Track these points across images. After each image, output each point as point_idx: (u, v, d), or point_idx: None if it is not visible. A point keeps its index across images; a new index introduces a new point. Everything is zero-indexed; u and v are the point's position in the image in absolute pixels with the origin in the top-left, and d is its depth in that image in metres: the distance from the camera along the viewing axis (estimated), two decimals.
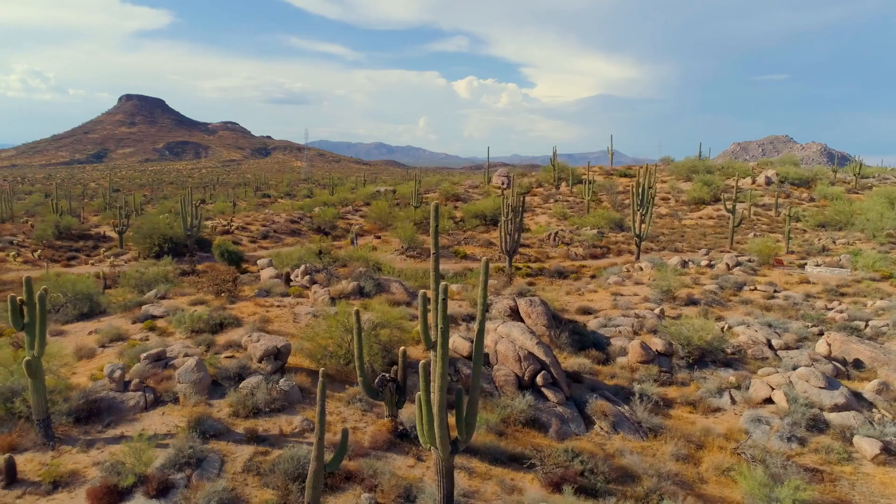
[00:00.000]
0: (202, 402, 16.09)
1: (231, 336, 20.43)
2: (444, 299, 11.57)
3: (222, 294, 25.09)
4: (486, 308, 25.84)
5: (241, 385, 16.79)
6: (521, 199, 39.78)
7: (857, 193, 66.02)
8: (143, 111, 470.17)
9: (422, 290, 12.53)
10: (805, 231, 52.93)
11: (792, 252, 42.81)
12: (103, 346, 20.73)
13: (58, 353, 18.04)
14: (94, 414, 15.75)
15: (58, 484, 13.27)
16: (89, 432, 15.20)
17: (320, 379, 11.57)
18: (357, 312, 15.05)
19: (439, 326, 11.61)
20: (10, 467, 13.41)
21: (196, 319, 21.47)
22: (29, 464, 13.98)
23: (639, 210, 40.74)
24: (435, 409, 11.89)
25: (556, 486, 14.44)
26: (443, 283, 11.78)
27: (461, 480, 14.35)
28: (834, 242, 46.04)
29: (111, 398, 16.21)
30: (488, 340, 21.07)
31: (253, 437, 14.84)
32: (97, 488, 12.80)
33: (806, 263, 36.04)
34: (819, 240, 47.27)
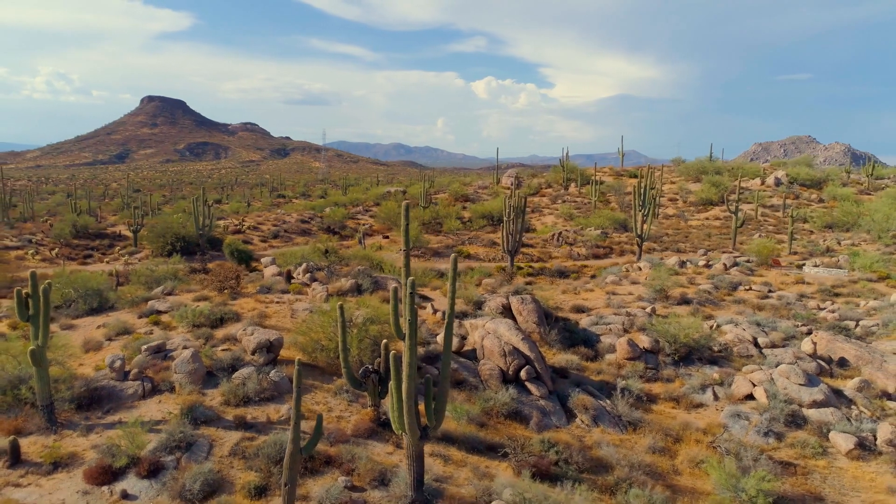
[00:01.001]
0: (196, 391, 17.00)
1: (230, 330, 21.34)
2: (411, 293, 12.30)
3: (225, 290, 26.05)
4: (480, 305, 26.69)
5: (233, 375, 17.68)
6: (524, 199, 40.40)
7: (870, 195, 65.69)
8: (165, 112, 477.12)
9: (393, 285, 13.29)
10: (812, 232, 52.92)
11: (795, 253, 42.95)
12: (110, 340, 21.72)
13: (64, 345, 19.14)
14: (95, 401, 16.72)
15: (58, 464, 14.22)
16: (90, 418, 16.17)
17: (296, 367, 12.40)
18: (341, 307, 15.80)
19: (407, 319, 12.34)
20: (15, 449, 14.40)
21: (197, 314, 22.42)
22: (32, 446, 14.96)
23: (640, 210, 41.15)
24: (404, 397, 12.64)
25: (531, 474, 15.11)
26: (410, 278, 12.51)
27: (437, 467, 15.09)
28: (839, 243, 46.06)
29: (111, 386, 17.17)
30: (476, 336, 21.81)
31: (241, 424, 15.71)
32: (93, 468, 13.74)
33: (804, 264, 36.25)
34: (824, 241, 47.30)
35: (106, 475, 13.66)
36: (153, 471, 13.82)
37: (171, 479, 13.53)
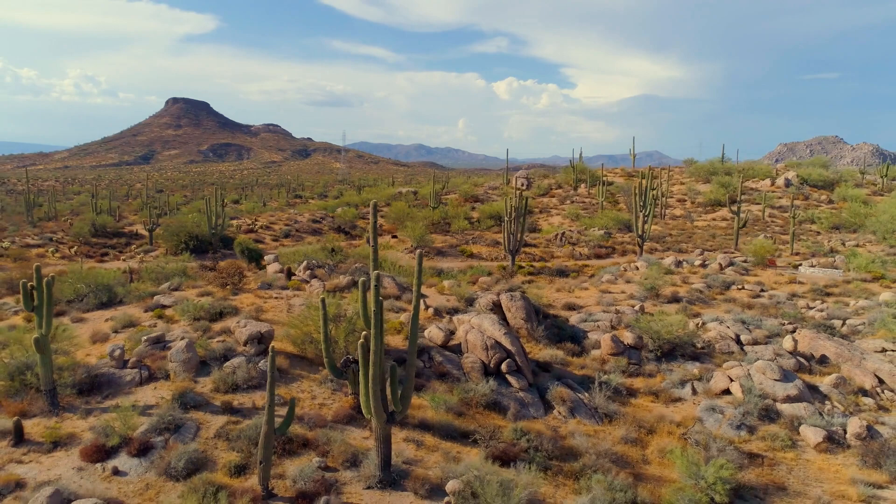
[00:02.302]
0: (189, 379, 18.11)
1: (227, 323, 22.41)
2: (376, 286, 13.24)
3: (227, 286, 27.21)
4: (472, 302, 27.53)
5: (225, 365, 18.76)
6: (525, 200, 41.16)
7: (882, 195, 65.32)
8: (189, 114, 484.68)
9: (362, 279, 14.21)
10: (819, 233, 52.93)
11: (797, 253, 43.16)
12: (116, 332, 22.94)
13: (69, 336, 20.39)
14: (95, 387, 17.91)
15: (57, 444, 15.41)
16: (89, 402, 17.35)
17: (270, 354, 13.40)
18: (323, 300, 16.76)
19: (372, 309, 13.27)
20: (18, 429, 15.60)
21: (198, 308, 23.56)
22: (35, 427, 16.16)
23: (642, 211, 41.68)
24: (370, 383, 13.56)
25: (496, 459, 15.96)
26: (376, 272, 13.44)
27: (409, 451, 16.01)
28: (843, 244, 46.13)
29: (111, 374, 18.36)
30: (460, 331, 22.70)
31: (228, 409, 16.77)
32: (88, 447, 14.91)
33: (801, 264, 36.55)
34: (829, 242, 47.38)
35: (100, 453, 14.80)
36: (143, 450, 14.93)
37: (158, 458, 14.63)
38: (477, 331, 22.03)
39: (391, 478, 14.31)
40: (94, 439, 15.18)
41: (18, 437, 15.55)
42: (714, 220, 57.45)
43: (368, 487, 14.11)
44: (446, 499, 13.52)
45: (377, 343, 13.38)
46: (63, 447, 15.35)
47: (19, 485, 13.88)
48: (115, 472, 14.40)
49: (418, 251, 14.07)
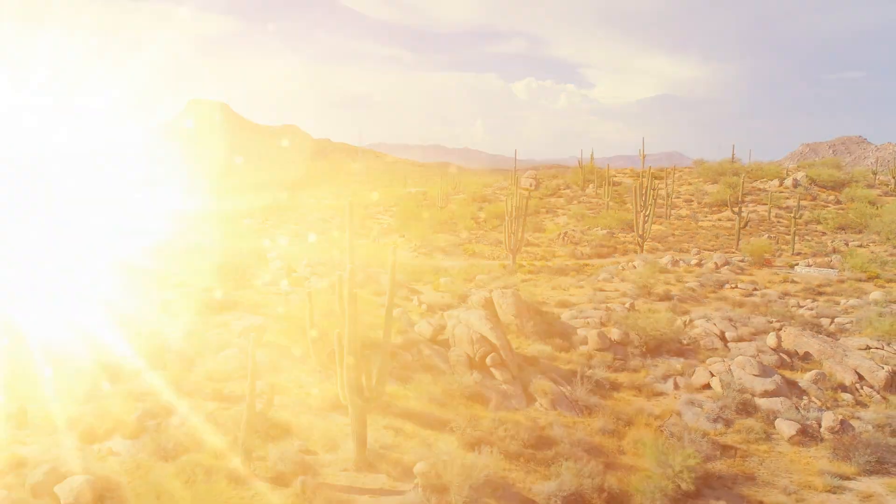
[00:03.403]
0: (185, 368, 19.11)
1: (224, 317, 23.44)
2: (349, 277, 14.07)
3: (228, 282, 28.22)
4: (469, 297, 28.30)
5: (219, 355, 19.73)
6: (525, 200, 41.85)
7: (894, 196, 64.97)
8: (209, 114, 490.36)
9: (339, 273, 15.07)
10: (824, 233, 52.97)
11: (798, 253, 43.41)
12: None
13: None
14: None
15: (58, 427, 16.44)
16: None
17: (250, 339, 14.29)
18: (310, 294, 17.69)
19: (346, 300, 14.10)
20: (22, 413, 16.66)
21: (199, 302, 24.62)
22: (40, 410, 17.21)
23: (642, 211, 42.19)
24: (343, 371, 14.41)
25: (471, 446, 16.72)
26: (350, 265, 14.28)
27: (387, 437, 16.84)
28: (846, 245, 46.23)
29: None
30: (448, 326, 23.49)
31: (219, 396, 17.72)
32: (86, 430, 15.91)
33: (797, 264, 36.86)
34: (832, 242, 47.51)
35: (97, 435, 15.82)
36: (137, 433, 15.92)
37: (150, 440, 15.61)
38: (464, 326, 22.79)
39: (367, 461, 15.13)
40: (92, 422, 16.18)
41: (20, 421, 16.59)
42: (719, 220, 57.53)
43: (344, 470, 14.95)
44: (416, 480, 14.32)
45: (350, 332, 14.21)
46: (64, 430, 16.37)
47: (20, 464, 14.91)
48: (110, 452, 15.38)
49: (392, 246, 14.96)
